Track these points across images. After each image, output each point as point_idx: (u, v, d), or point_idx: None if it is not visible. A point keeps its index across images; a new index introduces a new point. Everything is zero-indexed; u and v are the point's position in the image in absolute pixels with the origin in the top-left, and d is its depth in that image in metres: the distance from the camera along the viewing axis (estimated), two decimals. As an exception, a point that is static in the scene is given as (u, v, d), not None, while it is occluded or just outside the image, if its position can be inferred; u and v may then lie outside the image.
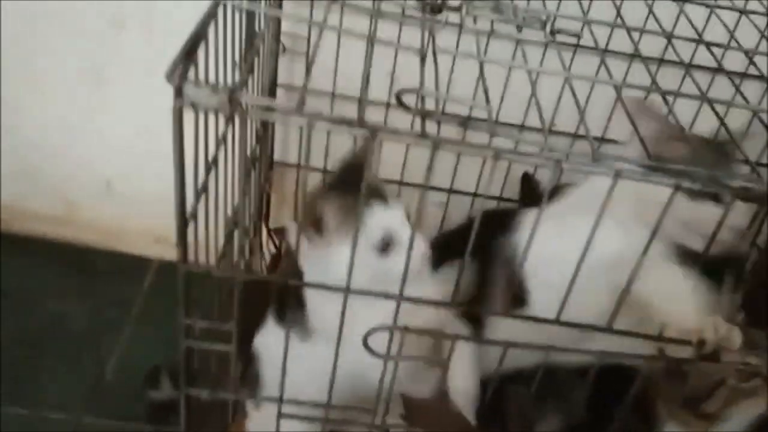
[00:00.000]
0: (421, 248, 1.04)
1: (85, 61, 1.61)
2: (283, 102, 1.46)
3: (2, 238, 1.77)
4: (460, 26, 0.94)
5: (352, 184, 0.88)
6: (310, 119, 0.71)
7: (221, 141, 0.96)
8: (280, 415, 1.03)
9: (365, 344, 0.95)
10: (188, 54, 0.78)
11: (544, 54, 1.34)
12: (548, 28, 0.95)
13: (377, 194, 1.05)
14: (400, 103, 0.75)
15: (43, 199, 1.78)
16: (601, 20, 1.12)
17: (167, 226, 1.72)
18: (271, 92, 1.53)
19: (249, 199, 1.29)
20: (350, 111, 1.47)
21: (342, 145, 1.16)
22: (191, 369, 1.02)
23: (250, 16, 1.10)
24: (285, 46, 1.50)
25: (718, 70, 1.16)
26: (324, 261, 1.04)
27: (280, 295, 1.19)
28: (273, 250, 1.72)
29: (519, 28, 0.97)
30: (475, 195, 1.62)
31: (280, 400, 1.02)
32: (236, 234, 1.07)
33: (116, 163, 1.74)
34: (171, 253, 1.73)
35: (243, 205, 0.99)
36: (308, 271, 1.08)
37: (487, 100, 0.79)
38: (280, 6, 1.41)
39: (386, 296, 0.93)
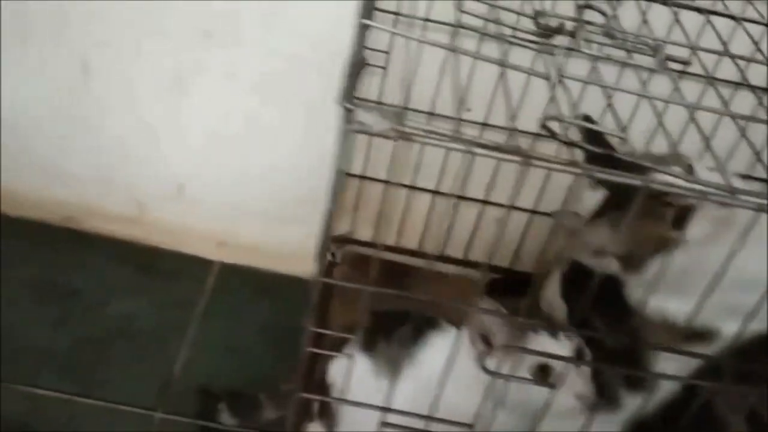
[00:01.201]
0: (579, 388, 1.02)
1: (171, 66, 1.65)
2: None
3: (76, 236, 1.84)
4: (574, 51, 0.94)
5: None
6: (468, 146, 0.76)
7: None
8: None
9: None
10: (354, 78, 0.81)
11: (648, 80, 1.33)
12: (660, 56, 0.96)
13: (547, 322, 1.07)
14: (548, 131, 0.79)
15: (115, 199, 1.82)
16: (708, 48, 1.12)
17: (230, 231, 1.81)
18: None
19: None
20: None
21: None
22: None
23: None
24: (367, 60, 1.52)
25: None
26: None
27: (371, 321, 1.17)
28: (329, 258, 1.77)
29: (629, 54, 0.98)
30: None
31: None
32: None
33: (189, 168, 1.78)
34: (231, 257, 1.82)
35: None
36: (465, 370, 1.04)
37: (624, 129, 0.83)
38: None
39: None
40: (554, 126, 0.78)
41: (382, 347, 1.14)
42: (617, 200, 1.05)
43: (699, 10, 1.17)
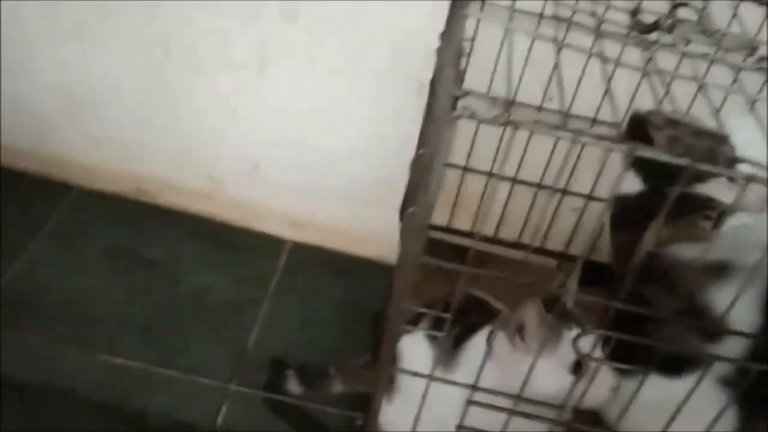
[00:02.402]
0: (609, 382, 1.06)
1: (252, 46, 1.67)
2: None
3: (152, 209, 1.88)
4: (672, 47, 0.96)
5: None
6: (575, 134, 0.76)
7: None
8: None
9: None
10: (459, 66, 0.84)
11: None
12: (756, 55, 0.97)
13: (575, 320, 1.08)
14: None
15: (191, 175, 1.86)
16: None
17: (303, 211, 1.84)
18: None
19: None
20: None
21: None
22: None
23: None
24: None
25: None
26: (519, 366, 1.05)
27: (442, 307, 1.19)
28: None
29: (724, 52, 0.99)
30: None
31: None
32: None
33: (265, 146, 1.80)
34: (303, 236, 1.85)
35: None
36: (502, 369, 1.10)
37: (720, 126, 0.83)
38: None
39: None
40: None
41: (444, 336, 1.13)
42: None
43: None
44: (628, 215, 1.13)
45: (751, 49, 0.99)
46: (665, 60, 0.95)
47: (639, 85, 0.92)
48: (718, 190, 1.07)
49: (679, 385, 1.01)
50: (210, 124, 1.80)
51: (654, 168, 0.75)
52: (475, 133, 1.46)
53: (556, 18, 1.00)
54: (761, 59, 0.98)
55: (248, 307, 1.70)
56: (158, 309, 1.66)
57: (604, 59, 0.90)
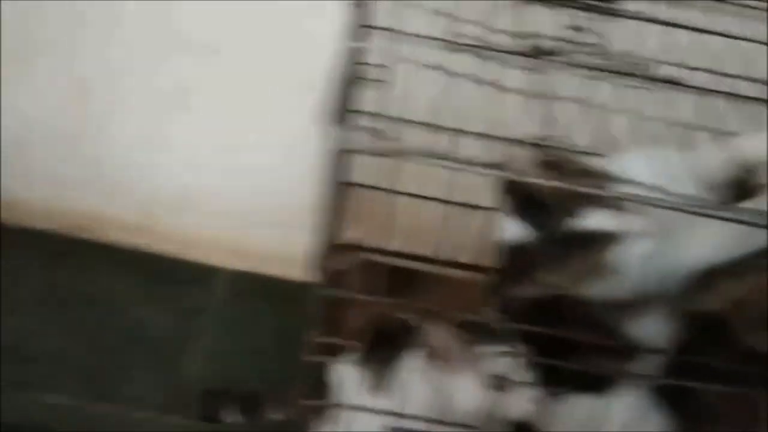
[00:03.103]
0: (529, 395, 1.07)
1: (174, 80, 1.69)
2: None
3: (87, 245, 1.86)
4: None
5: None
6: (459, 163, 0.78)
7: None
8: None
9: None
10: (344, 96, 0.84)
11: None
12: (649, 74, 1.01)
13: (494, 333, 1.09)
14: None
15: (124, 209, 1.85)
16: (699, 66, 1.15)
17: (238, 238, 1.84)
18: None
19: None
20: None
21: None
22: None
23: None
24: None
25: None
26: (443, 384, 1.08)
27: (372, 334, 1.22)
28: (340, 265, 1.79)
29: (620, 73, 1.02)
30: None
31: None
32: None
33: (196, 177, 1.81)
34: (241, 264, 1.84)
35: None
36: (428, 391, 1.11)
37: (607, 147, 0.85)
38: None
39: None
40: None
41: (373, 361, 1.17)
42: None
43: (690, 28, 1.18)
44: (516, 266, 1.11)
45: (645, 68, 1.03)
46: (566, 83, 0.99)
47: (530, 110, 0.93)
48: (604, 222, 1.05)
49: (604, 402, 1.04)
50: (140, 157, 1.80)
51: (537, 210, 0.76)
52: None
53: (456, 44, 1.02)
54: (654, 79, 1.02)
55: (187, 339, 1.70)
56: (96, 346, 1.65)
57: (498, 86, 0.92)
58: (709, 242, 0.99)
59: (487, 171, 0.78)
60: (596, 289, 1.06)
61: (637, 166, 0.97)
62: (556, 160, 0.81)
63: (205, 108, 1.73)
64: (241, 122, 1.73)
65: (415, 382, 1.10)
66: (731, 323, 1.06)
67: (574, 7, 1.17)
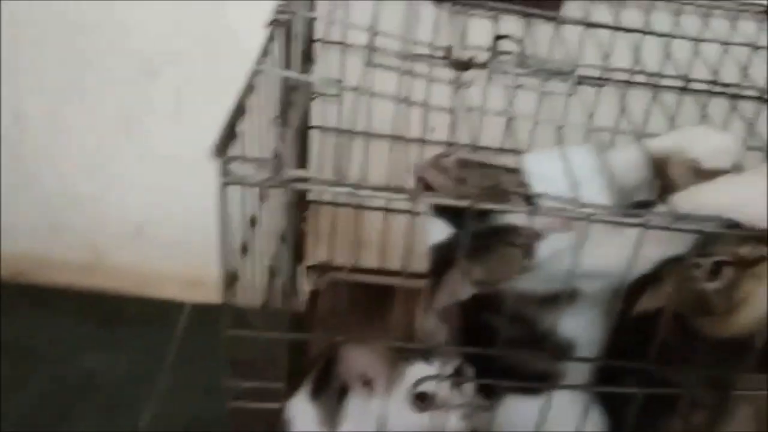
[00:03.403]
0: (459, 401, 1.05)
1: (115, 108, 1.62)
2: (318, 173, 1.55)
3: (29, 291, 1.77)
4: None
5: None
6: (353, 189, 0.75)
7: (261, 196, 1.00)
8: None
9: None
10: (230, 129, 0.81)
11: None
12: (572, 79, 1.02)
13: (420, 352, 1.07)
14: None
15: (68, 248, 1.77)
16: (621, 67, 1.21)
17: (197, 269, 1.74)
18: (304, 135, 1.53)
19: (288, 250, 1.29)
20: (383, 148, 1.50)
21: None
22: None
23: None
24: (318, 93, 1.47)
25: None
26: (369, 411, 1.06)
27: (322, 365, 1.19)
28: (311, 287, 1.72)
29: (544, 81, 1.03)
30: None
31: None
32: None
33: (146, 209, 1.73)
34: (203, 297, 1.75)
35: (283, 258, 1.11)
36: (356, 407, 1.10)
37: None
38: (311, 62, 1.41)
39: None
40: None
41: (323, 395, 1.14)
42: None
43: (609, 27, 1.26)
44: (441, 264, 1.08)
45: (568, 73, 1.04)
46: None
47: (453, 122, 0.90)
48: (521, 218, 1.04)
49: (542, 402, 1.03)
50: (82, 193, 1.71)
51: (454, 211, 0.77)
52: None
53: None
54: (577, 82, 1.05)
55: (143, 383, 1.59)
56: (40, 400, 1.54)
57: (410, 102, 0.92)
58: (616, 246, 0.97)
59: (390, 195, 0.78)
60: (521, 285, 1.07)
61: (549, 166, 0.97)
62: (472, 159, 0.83)
63: (148, 134, 1.66)
64: (187, 148, 1.64)
65: (357, 412, 1.09)
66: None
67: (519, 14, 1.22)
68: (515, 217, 1.01)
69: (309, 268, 1.72)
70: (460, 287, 1.04)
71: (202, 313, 1.76)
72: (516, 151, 1.03)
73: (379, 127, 1.50)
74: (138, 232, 1.75)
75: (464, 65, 1.00)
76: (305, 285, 1.71)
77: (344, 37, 1.41)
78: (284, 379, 0.96)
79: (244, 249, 0.95)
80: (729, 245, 1.02)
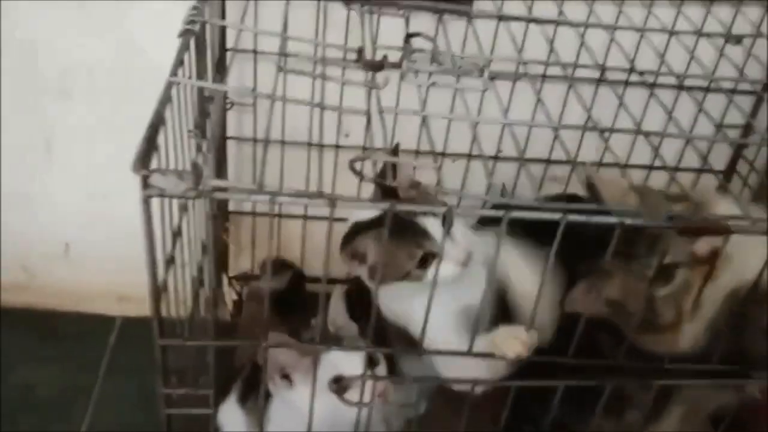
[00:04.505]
0: (377, 390, 1.07)
1: (32, 130, 1.63)
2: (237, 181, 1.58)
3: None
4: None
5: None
6: (273, 197, 0.76)
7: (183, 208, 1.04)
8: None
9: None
10: (150, 142, 0.82)
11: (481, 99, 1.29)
12: (486, 74, 1.00)
13: (340, 340, 1.11)
14: (354, 171, 0.79)
15: (2, 269, 1.78)
16: (535, 59, 1.19)
17: (127, 284, 1.77)
18: (222, 145, 1.57)
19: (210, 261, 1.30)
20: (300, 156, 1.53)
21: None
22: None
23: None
24: (233, 102, 1.53)
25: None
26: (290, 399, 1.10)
27: (248, 371, 1.22)
28: (235, 296, 1.77)
29: (458, 77, 1.01)
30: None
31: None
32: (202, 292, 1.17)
33: (73, 228, 1.75)
34: (134, 310, 1.78)
35: (209, 268, 1.12)
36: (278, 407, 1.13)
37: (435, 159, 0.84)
38: (225, 71, 1.42)
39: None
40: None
41: (251, 400, 1.16)
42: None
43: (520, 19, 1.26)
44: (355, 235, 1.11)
45: (481, 69, 1.01)
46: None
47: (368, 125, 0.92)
48: (433, 227, 1.08)
49: None
50: (9, 214, 1.73)
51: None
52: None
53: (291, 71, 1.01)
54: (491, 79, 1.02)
55: (79, 395, 1.63)
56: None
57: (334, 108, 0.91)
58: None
59: (308, 201, 0.78)
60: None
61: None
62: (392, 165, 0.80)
63: (68, 152, 1.67)
64: (105, 168, 1.65)
65: (281, 411, 1.12)
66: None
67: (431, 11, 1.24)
68: (429, 223, 1.06)
69: (232, 278, 1.77)
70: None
71: (133, 325, 1.79)
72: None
73: (295, 135, 1.54)
74: (65, 251, 1.78)
75: (377, 66, 0.98)
76: (229, 295, 1.76)
77: (256, 44, 1.45)
78: (214, 386, 0.99)
79: (170, 261, 0.97)
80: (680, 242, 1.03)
